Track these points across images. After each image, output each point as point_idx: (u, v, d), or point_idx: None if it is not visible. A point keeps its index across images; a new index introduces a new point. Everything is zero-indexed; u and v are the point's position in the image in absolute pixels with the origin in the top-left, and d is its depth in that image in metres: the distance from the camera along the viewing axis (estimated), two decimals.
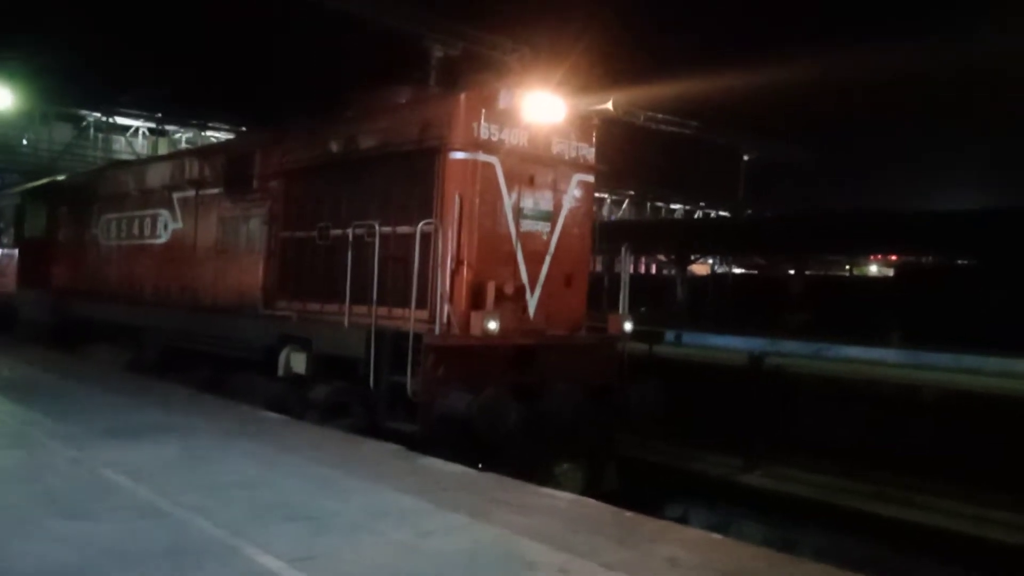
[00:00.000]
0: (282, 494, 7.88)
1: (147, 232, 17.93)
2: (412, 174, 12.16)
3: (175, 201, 17.01)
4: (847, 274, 54.94)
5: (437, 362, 11.19)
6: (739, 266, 59.02)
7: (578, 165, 12.84)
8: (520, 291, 11.98)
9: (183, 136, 53.18)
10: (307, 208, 13.85)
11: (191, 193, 16.49)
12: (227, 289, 15.40)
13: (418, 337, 11.11)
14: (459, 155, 11.70)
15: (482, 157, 11.78)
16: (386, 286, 11.90)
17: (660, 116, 51.05)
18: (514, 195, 12.10)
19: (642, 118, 48.89)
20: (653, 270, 58.83)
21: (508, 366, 11.73)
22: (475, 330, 11.24)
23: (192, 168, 16.78)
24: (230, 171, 15.25)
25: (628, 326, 12.86)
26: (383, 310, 11.79)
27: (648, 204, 63.29)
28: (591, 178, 13.06)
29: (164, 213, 17.30)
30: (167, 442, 9.92)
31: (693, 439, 17.13)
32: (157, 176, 18.01)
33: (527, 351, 11.95)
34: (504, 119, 11.94)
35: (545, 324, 12.40)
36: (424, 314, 11.44)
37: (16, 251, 22.90)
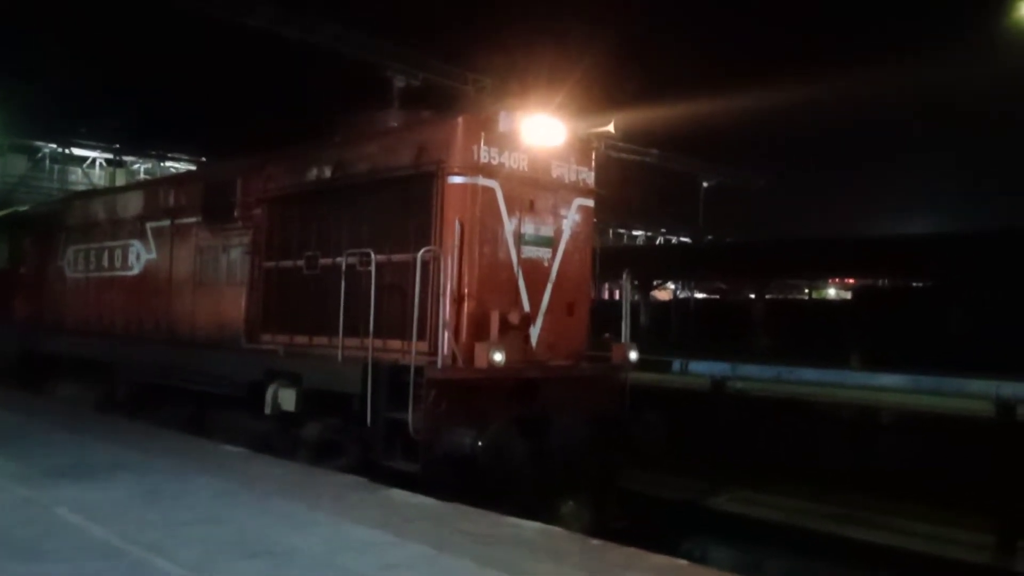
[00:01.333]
0: (242, 530, 7.69)
1: (118, 263, 17.00)
2: (408, 200, 11.46)
3: (148, 231, 16.12)
4: (806, 297, 54.88)
5: (439, 397, 10.49)
6: (700, 291, 58.68)
7: (578, 189, 12.21)
8: (526, 320, 11.28)
9: (141, 167, 52.21)
10: (292, 237, 13.08)
11: (166, 223, 15.61)
12: (206, 322, 14.54)
13: (419, 371, 10.39)
14: (458, 179, 11.04)
15: (482, 181, 11.13)
16: (381, 317, 11.13)
17: (620, 144, 50.74)
18: (515, 220, 11.45)
19: (603, 146, 48.37)
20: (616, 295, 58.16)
21: (512, 399, 11.04)
22: (480, 362, 10.52)
23: (167, 197, 15.94)
24: (209, 199, 14.43)
25: (634, 355, 12.17)
26: (378, 342, 11.04)
27: (611, 231, 62.75)
28: (591, 202, 12.44)
29: (136, 244, 16.41)
30: (124, 479, 9.63)
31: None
32: (128, 205, 17.10)
33: (531, 383, 11.25)
34: (504, 142, 11.31)
35: (547, 354, 11.71)
36: (423, 346, 10.72)
37: None
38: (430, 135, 11.44)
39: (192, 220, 15.00)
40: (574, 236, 12.12)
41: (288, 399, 11.95)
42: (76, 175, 50.44)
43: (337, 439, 11.55)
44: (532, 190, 11.63)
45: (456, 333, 10.82)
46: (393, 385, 10.75)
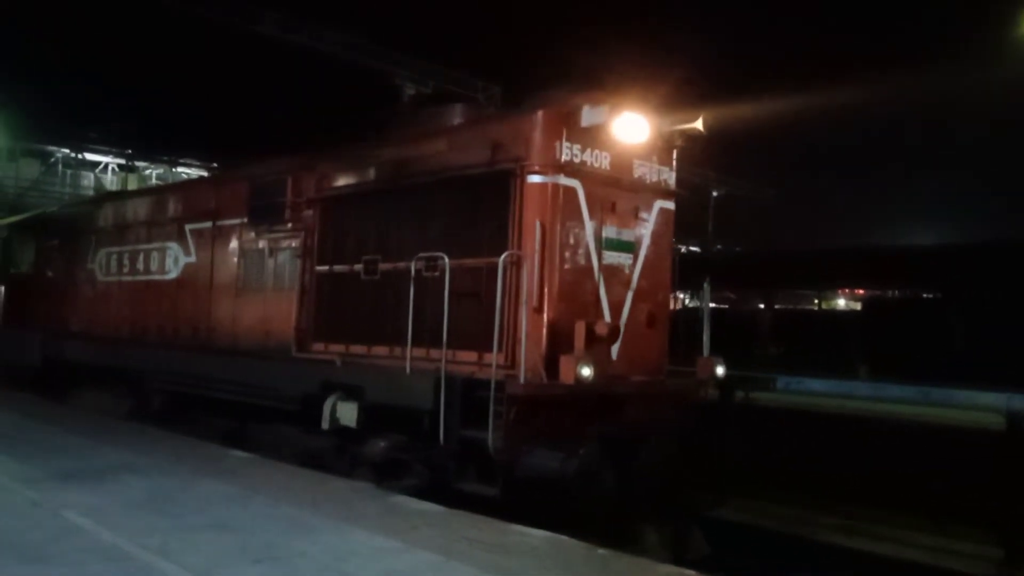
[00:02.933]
0: (249, 535, 7.59)
1: (153, 267, 15.85)
2: (481, 200, 10.42)
3: (187, 233, 14.99)
4: (816, 308, 53.76)
5: (521, 415, 9.40)
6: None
7: (660, 190, 11.14)
8: (614, 333, 10.16)
9: (153, 172, 51.14)
10: (348, 240, 12.01)
11: (206, 224, 14.49)
12: (250, 329, 13.42)
13: (500, 385, 9.27)
14: (538, 178, 9.98)
15: (563, 181, 10.07)
16: (451, 326, 10.04)
17: None
18: (595, 223, 10.39)
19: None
20: None
21: (597, 418, 9.89)
22: (566, 377, 9.37)
23: (208, 197, 14.82)
24: (255, 200, 13.31)
25: (720, 370, 11.04)
26: (447, 354, 9.94)
27: None
28: (672, 205, 11.32)
29: (174, 246, 15.27)
30: (131, 483, 9.54)
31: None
32: (166, 207, 15.97)
33: (616, 400, 10.12)
34: (586, 138, 10.25)
35: (627, 368, 10.60)
36: (499, 358, 9.62)
37: (1, 288, 20.46)
38: (506, 131, 10.35)
39: (235, 222, 13.90)
40: (655, 241, 11.04)
41: (348, 414, 10.85)
42: (88, 180, 49.52)
43: (403, 458, 10.44)
44: (614, 191, 10.57)
45: (535, 345, 9.67)
46: (467, 401, 9.66)
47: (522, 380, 9.37)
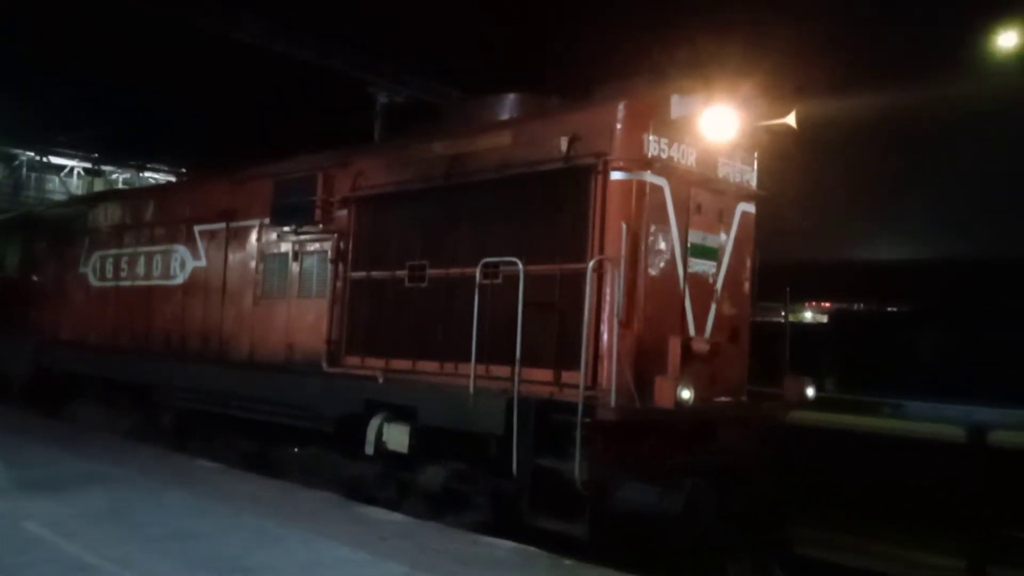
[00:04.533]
0: (215, 546, 7.38)
1: (156, 272, 14.27)
2: (554, 200, 9.10)
3: (196, 235, 13.46)
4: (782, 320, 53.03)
5: (611, 442, 8.03)
6: None
7: (742, 192, 9.84)
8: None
9: (120, 177, 49.33)
10: (390, 243, 10.62)
11: (219, 226, 13.00)
12: (271, 341, 11.97)
13: (586, 409, 7.90)
14: (623, 175, 8.66)
15: (650, 178, 8.70)
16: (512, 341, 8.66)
17: None
18: (681, 227, 9.05)
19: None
20: None
21: (688, 445, 8.58)
22: (663, 400, 8.04)
23: (221, 196, 13.24)
24: (280, 199, 11.79)
25: (811, 391, 9.74)
26: (506, 371, 8.62)
27: None
28: (754, 209, 9.98)
29: (180, 249, 13.73)
30: (96, 493, 9.21)
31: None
32: (170, 206, 14.42)
33: (708, 425, 8.81)
34: (672, 132, 8.95)
35: (712, 388, 9.20)
36: (574, 376, 8.29)
37: None
38: (584, 122, 9.00)
39: (254, 222, 12.42)
40: (737, 247, 9.72)
41: (398, 438, 9.45)
42: (54, 183, 47.61)
43: (464, 490, 9.01)
44: (699, 191, 9.27)
45: (623, 363, 8.31)
46: (542, 426, 8.30)
47: (613, 403, 8.00)
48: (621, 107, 8.72)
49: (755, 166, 9.93)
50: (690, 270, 9.07)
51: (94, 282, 15.81)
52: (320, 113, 37.86)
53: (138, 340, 14.41)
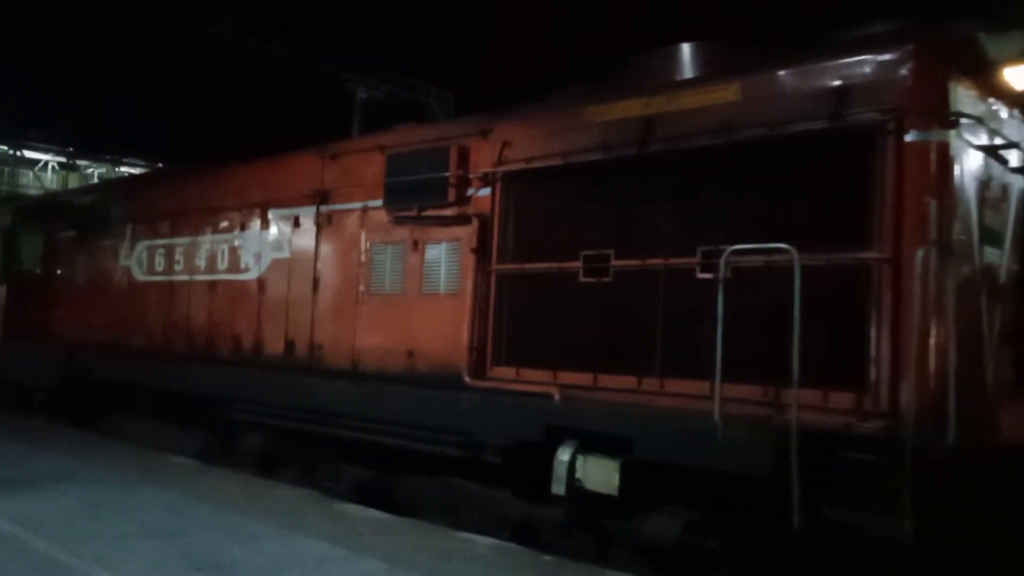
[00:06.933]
0: (189, 544, 6.93)
1: (222, 264, 11.49)
2: (810, 170, 6.61)
3: (275, 221, 10.73)
4: None
5: (939, 490, 5.64)
6: None
7: None
8: None
9: (95, 171, 47.14)
10: (552, 228, 8.12)
11: (308, 210, 10.32)
12: (384, 346, 9.37)
13: (897, 444, 5.60)
14: (922, 137, 6.17)
15: (956, 141, 6.26)
16: (772, 350, 6.38)
17: None
18: (978, 205, 6.59)
19: None
20: None
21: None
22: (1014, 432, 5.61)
23: (311, 174, 10.48)
24: (396, 176, 9.21)
25: None
26: (741, 390, 6.42)
27: None
28: None
29: (253, 238, 11.05)
30: (69, 490, 8.77)
31: None
32: (239, 188, 11.58)
33: None
34: (978, 83, 6.47)
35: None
36: (845, 399, 6.06)
37: (2, 289, 15.47)
38: (859, 71, 6.53)
39: (355, 205, 9.81)
40: (1016, 234, 7.24)
41: (602, 476, 6.97)
42: (27, 178, 45.20)
43: (711, 547, 6.52)
44: (990, 160, 6.80)
45: (932, 383, 5.91)
46: (823, 465, 5.92)
47: (951, 439, 5.59)
48: (913, 50, 6.30)
49: None
50: (985, 260, 6.68)
51: (139, 277, 12.91)
52: (296, 108, 35.50)
53: (196, 344, 11.66)
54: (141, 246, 12.87)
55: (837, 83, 6.52)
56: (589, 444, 7.10)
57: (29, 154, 44.51)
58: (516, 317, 8.28)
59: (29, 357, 14.32)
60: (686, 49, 8.20)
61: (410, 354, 9.01)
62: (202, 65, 39.65)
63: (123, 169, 46.57)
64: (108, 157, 46.00)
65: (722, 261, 6.47)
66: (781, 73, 6.97)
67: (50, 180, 45.14)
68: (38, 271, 15.20)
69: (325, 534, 7.35)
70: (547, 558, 6.91)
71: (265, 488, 9.23)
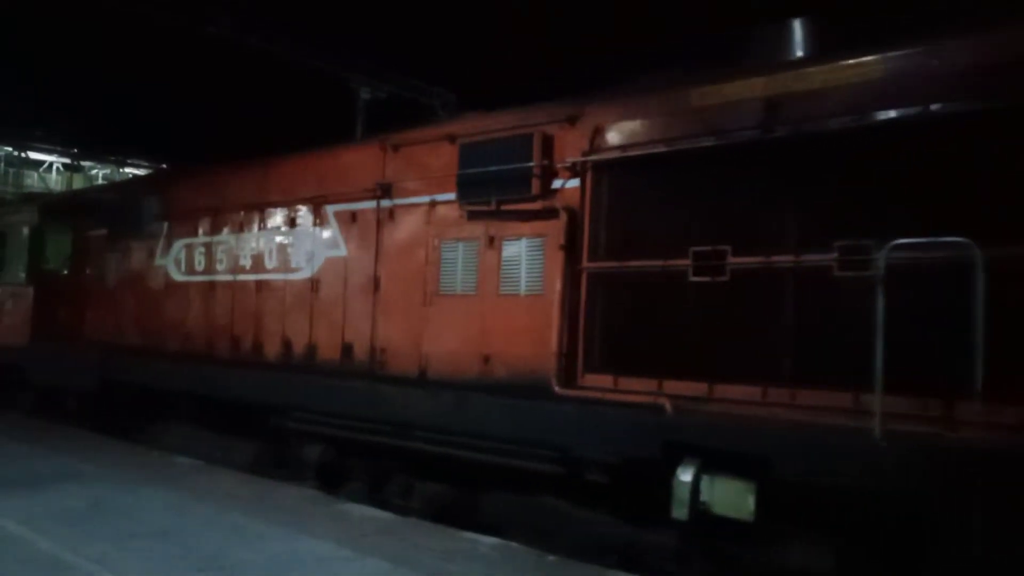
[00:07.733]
0: (193, 543, 6.87)
1: (271, 263, 10.55)
2: (990, 153, 5.66)
3: (331, 217, 9.81)
4: None
5: None
6: None
7: None
8: None
9: (100, 172, 46.73)
10: (654, 222, 7.23)
11: (368, 205, 9.40)
12: (456, 351, 8.47)
13: None
14: None
15: None
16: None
17: None
18: None
19: None
20: None
21: None
22: None
23: (371, 166, 9.54)
24: (471, 167, 8.33)
25: None
26: (898, 401, 5.58)
27: None
28: None
29: (307, 235, 10.11)
30: (72, 491, 8.57)
31: None
32: (289, 183, 10.62)
33: None
34: None
35: None
36: (1011, 413, 5.21)
37: (29, 289, 14.39)
38: None
39: (422, 199, 8.91)
40: None
41: (734, 499, 6.10)
42: (32, 179, 44.71)
43: None
44: None
45: None
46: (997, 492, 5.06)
47: None
48: None
49: None
50: None
51: (177, 277, 11.94)
52: (297, 108, 34.67)
53: (242, 348, 10.72)
54: (179, 244, 11.91)
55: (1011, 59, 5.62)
56: (711, 462, 6.23)
57: (33, 155, 43.86)
58: (611, 320, 7.39)
59: (59, 361, 13.35)
60: (796, 26, 7.34)
61: (486, 360, 8.12)
62: (202, 65, 38.76)
63: (127, 170, 45.74)
64: (112, 158, 45.31)
65: (882, 257, 5.59)
66: (944, 43, 6.04)
67: (55, 181, 44.45)
68: (67, 271, 14.23)
69: (328, 534, 7.26)
70: (551, 558, 6.82)
71: (268, 488, 9.08)
